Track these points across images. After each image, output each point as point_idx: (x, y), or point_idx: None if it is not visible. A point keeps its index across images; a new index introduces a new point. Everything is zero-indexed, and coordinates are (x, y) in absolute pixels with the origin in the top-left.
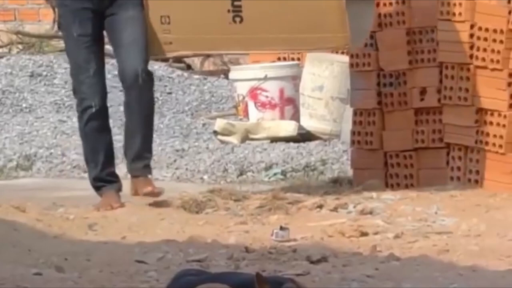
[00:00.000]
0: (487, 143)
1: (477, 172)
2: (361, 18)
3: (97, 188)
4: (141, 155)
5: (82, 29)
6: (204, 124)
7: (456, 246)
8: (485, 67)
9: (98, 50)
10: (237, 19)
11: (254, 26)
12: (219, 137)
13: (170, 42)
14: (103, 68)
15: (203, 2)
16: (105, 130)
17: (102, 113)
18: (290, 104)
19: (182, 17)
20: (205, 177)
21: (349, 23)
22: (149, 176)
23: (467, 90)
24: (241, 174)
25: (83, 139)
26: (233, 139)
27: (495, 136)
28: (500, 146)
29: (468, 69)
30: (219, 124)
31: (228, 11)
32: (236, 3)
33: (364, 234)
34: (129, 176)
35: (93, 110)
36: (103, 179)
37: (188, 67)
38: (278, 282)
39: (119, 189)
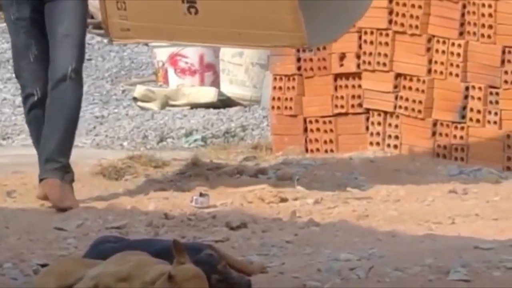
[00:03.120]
0: (406, 108)
1: (396, 137)
2: (333, 19)
3: (40, 179)
4: (53, 158)
5: (19, 13)
6: (123, 91)
7: (376, 212)
8: (404, 33)
9: (39, 35)
10: (192, 10)
11: (209, 19)
12: (139, 103)
13: (128, 28)
14: (45, 54)
15: None
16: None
17: (45, 102)
18: (210, 70)
19: (138, 4)
20: (125, 143)
21: (320, 22)
22: (59, 180)
23: (386, 55)
24: (161, 140)
25: (28, 126)
26: (153, 106)
27: (414, 101)
28: (419, 111)
29: (387, 35)
30: (139, 90)
31: (183, 1)
32: None
33: (283, 200)
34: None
35: (35, 98)
36: (46, 170)
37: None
38: (197, 248)
39: (61, 177)
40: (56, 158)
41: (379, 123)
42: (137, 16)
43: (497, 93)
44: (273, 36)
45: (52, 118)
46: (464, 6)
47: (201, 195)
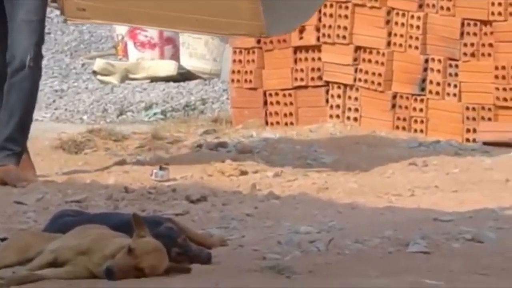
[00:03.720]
0: (365, 81)
1: (356, 110)
2: (296, 10)
3: None
4: (7, 147)
5: None
6: (83, 64)
7: (335, 184)
8: (363, 5)
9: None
10: None
11: (168, 3)
12: (99, 77)
13: (83, 8)
14: (3, 37)
15: None
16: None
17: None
18: (169, 44)
19: None
20: (85, 117)
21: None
22: (13, 165)
23: (345, 28)
24: (120, 114)
25: None
26: (113, 79)
27: (373, 74)
28: (379, 84)
29: (347, 7)
30: (99, 64)
31: None
32: None
33: (243, 173)
34: None
35: None
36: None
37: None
38: (157, 222)
39: (15, 162)
40: (10, 147)
41: (339, 96)
42: None
43: (456, 66)
44: (231, 24)
45: (9, 105)
46: None
47: (161, 168)
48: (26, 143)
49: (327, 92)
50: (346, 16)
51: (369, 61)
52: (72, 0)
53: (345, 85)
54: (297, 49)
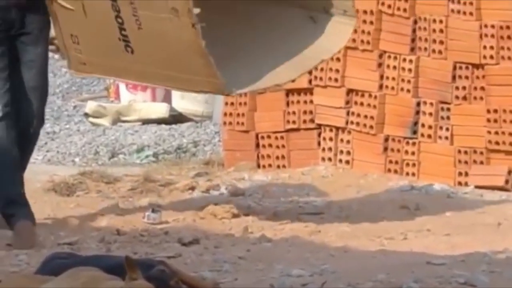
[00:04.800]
0: (358, 124)
1: (348, 152)
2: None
3: (6, 216)
4: (21, 200)
5: None
6: (75, 107)
7: (328, 227)
8: (355, 48)
9: (5, 54)
10: (129, 49)
11: (142, 58)
12: (91, 119)
13: (84, 63)
14: (10, 76)
15: (98, 27)
16: (13, 140)
17: (10, 121)
18: None
19: (88, 39)
20: (77, 159)
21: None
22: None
23: (337, 71)
24: (112, 156)
25: None
26: (105, 121)
27: (365, 117)
28: (371, 127)
29: (339, 50)
30: (90, 106)
31: (119, 39)
32: (123, 32)
33: (236, 215)
34: None
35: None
36: (12, 201)
37: (59, 49)
38: (149, 265)
39: (32, 219)
40: (24, 200)
41: (331, 139)
42: (89, 51)
43: (448, 109)
44: (193, 81)
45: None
46: (415, 22)
47: (153, 211)
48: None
49: (319, 134)
50: (338, 59)
51: (361, 104)
52: (74, 54)
53: (337, 128)
54: (289, 92)
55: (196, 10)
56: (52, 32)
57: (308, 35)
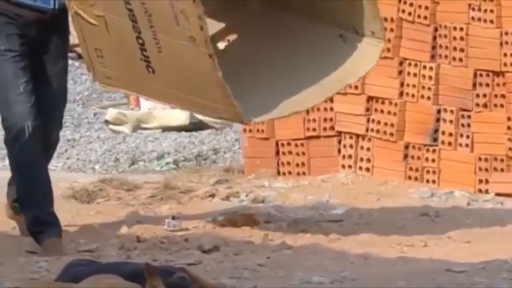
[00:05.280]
0: (378, 131)
1: (368, 160)
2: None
3: (35, 234)
4: (50, 214)
5: (9, 44)
6: (95, 114)
7: (348, 235)
8: None
9: (27, 68)
10: (150, 70)
11: (163, 80)
12: (111, 126)
13: (108, 77)
14: (32, 88)
15: (120, 45)
16: (39, 158)
17: (35, 138)
18: None
19: (111, 54)
20: (97, 167)
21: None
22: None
23: None
24: (132, 163)
25: (16, 168)
26: (125, 129)
27: (386, 124)
28: (391, 134)
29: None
30: (111, 113)
31: (141, 59)
32: (144, 53)
33: (256, 222)
34: None
35: (26, 135)
36: (42, 222)
37: (79, 56)
38: (169, 271)
39: (61, 235)
40: (54, 218)
41: (351, 146)
42: (113, 66)
43: (468, 116)
44: (212, 107)
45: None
46: (435, 29)
47: (173, 218)
48: None
49: (339, 142)
50: None
51: (382, 111)
52: (99, 68)
53: (357, 135)
54: None
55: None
56: (73, 40)
57: (336, 55)
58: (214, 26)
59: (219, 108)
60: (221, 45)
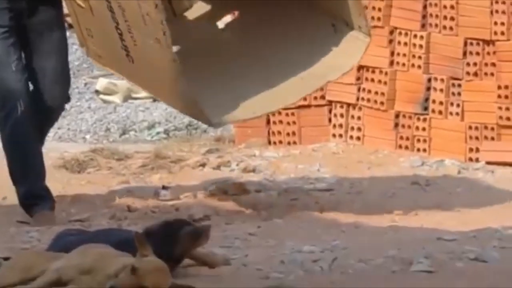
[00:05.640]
0: (368, 100)
1: (359, 129)
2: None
3: (27, 207)
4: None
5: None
6: (86, 84)
7: (339, 204)
8: None
9: (17, 44)
10: (130, 59)
11: (140, 70)
12: (101, 96)
13: (99, 55)
14: (24, 65)
15: (104, 30)
16: (32, 136)
17: (28, 116)
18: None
19: (98, 37)
20: (87, 136)
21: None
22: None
23: None
24: (123, 133)
25: (7, 145)
26: (115, 99)
27: (376, 93)
28: (382, 103)
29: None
30: (101, 83)
31: (121, 48)
32: (124, 43)
33: (246, 192)
34: None
35: (18, 112)
36: (35, 195)
37: (70, 26)
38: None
39: (53, 207)
40: (46, 192)
41: (341, 115)
42: (101, 47)
43: (459, 85)
44: (182, 108)
45: (42, 137)
46: None
47: (164, 187)
48: None
49: (330, 111)
50: None
51: (372, 80)
52: (91, 46)
53: (348, 104)
54: None
55: (176, 48)
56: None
57: (325, 45)
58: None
59: (187, 110)
60: (221, 24)
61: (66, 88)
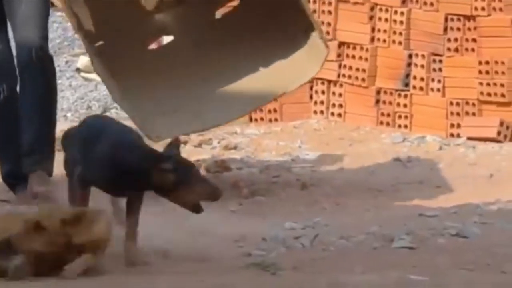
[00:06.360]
0: (349, 77)
1: (340, 105)
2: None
3: (11, 186)
4: (34, 148)
5: None
6: (67, 62)
7: (320, 180)
8: (346, 1)
9: (1, 27)
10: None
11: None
12: (82, 74)
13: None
14: (9, 47)
15: None
16: (17, 117)
17: (13, 101)
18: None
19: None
20: (69, 114)
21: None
22: (43, 173)
23: (329, 24)
24: (104, 111)
25: None
26: (96, 76)
27: (357, 69)
28: (363, 79)
29: (330, 3)
30: (82, 61)
31: None
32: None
33: (228, 169)
34: None
35: (1, 97)
36: (18, 175)
37: (52, 4)
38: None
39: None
40: (37, 148)
41: (323, 92)
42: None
43: (440, 61)
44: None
45: (26, 103)
46: None
47: None
48: (53, 149)
49: (311, 88)
50: (329, 12)
51: (353, 56)
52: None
53: (329, 81)
54: None
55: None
56: None
57: (287, 56)
58: None
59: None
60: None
61: (38, 33)
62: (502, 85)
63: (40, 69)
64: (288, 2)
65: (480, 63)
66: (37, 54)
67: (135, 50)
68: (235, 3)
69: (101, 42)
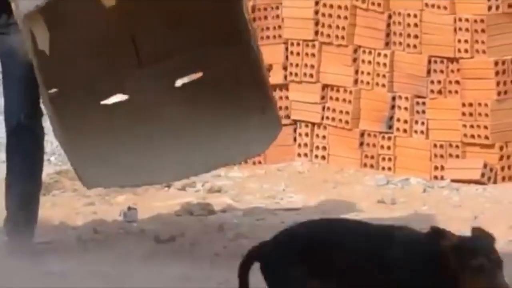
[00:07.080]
0: (333, 119)
1: (324, 148)
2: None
3: None
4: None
5: None
6: None
7: None
8: (330, 43)
9: None
10: None
11: None
12: None
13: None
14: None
15: None
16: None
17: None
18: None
19: None
20: (52, 158)
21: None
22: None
23: (312, 66)
24: None
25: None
26: None
27: (341, 112)
28: (347, 122)
29: (314, 46)
30: None
31: None
32: None
33: (212, 212)
34: None
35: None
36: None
37: None
38: None
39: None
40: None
41: (306, 134)
42: None
43: (423, 103)
44: None
45: (10, 171)
46: (389, 16)
47: (129, 209)
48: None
49: (294, 130)
50: (313, 55)
51: (337, 99)
52: None
53: (313, 124)
54: None
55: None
56: None
57: (240, 128)
58: None
59: None
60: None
61: (26, 98)
62: (485, 127)
63: (26, 138)
64: (248, 78)
65: (463, 105)
66: (24, 122)
67: (89, 104)
68: (197, 76)
69: (54, 90)
